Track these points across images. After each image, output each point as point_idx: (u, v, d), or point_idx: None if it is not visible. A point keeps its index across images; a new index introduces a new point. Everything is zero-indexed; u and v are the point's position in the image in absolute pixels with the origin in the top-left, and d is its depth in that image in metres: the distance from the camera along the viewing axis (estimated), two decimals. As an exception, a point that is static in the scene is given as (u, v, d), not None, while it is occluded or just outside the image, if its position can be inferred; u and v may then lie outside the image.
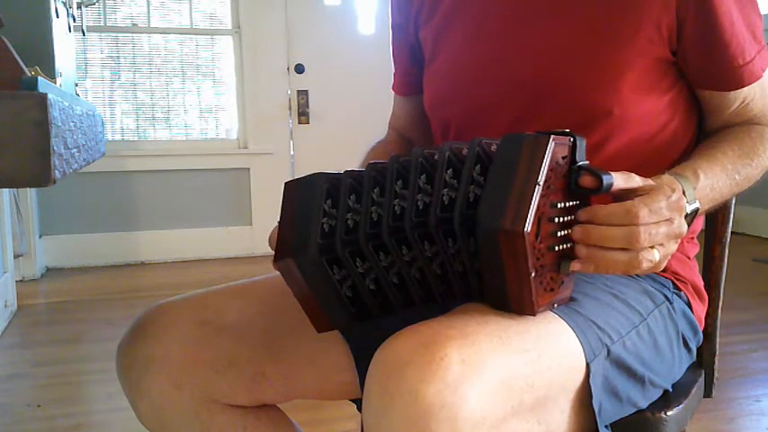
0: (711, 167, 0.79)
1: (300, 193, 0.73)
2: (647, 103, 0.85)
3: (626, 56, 0.83)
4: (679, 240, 0.70)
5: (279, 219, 0.74)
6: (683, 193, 0.73)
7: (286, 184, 0.75)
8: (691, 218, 0.75)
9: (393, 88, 1.13)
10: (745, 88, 0.85)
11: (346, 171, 0.73)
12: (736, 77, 0.85)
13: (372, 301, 0.74)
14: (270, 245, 0.81)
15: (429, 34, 0.99)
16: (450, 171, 0.68)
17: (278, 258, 0.72)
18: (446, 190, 0.68)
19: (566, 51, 0.86)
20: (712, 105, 0.89)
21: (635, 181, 0.70)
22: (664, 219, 0.67)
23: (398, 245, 0.69)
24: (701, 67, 0.86)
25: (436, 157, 0.69)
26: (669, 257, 0.70)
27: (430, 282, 0.72)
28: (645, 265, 0.67)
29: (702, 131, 0.93)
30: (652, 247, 0.67)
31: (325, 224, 0.70)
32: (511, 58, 0.89)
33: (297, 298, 0.75)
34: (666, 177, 0.73)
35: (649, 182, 0.71)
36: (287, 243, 0.72)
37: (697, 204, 0.75)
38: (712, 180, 0.79)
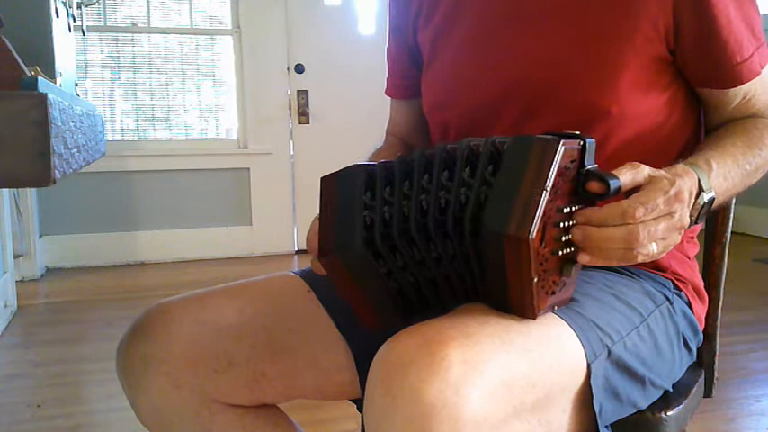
0: (723, 157, 0.79)
1: (340, 187, 0.72)
2: (645, 102, 0.85)
3: (624, 55, 0.83)
4: (683, 231, 0.70)
5: (318, 215, 0.73)
6: (699, 182, 0.73)
7: (323, 178, 0.74)
8: (707, 207, 0.75)
9: (388, 92, 1.11)
10: (744, 85, 0.85)
11: (380, 162, 0.72)
12: (734, 75, 0.85)
13: (415, 295, 0.73)
14: (307, 246, 0.80)
15: (428, 37, 0.99)
16: (467, 170, 0.68)
17: (322, 255, 0.71)
18: (464, 189, 0.67)
19: (564, 51, 0.86)
20: (713, 102, 0.89)
21: (642, 174, 0.69)
22: (662, 214, 0.67)
23: (426, 241, 0.69)
24: (699, 66, 0.86)
25: (457, 153, 0.69)
26: (671, 247, 0.70)
27: (453, 279, 0.71)
28: (640, 258, 0.67)
29: (705, 128, 0.93)
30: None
31: (366, 217, 0.70)
32: (509, 59, 0.89)
33: (344, 296, 0.74)
34: (680, 167, 0.73)
35: (660, 172, 0.70)
36: (331, 239, 0.71)
37: (713, 194, 0.75)
38: (724, 170, 0.78)
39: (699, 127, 0.93)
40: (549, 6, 0.87)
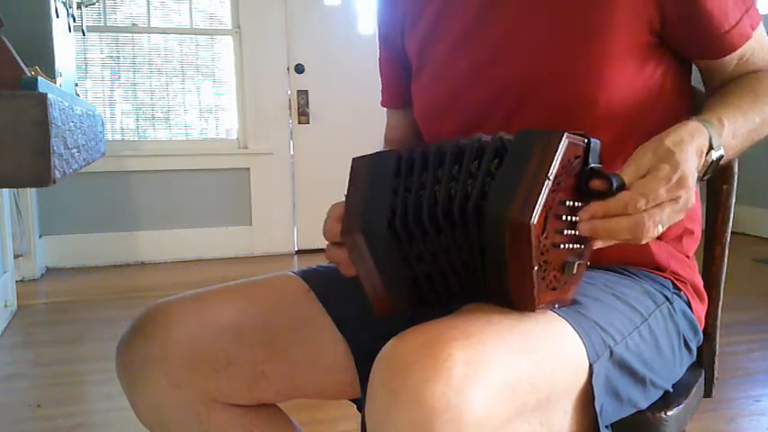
0: (734, 115, 0.80)
1: (371, 169, 0.74)
2: (632, 89, 0.85)
3: (607, 44, 0.83)
4: (685, 211, 0.71)
5: (346, 194, 0.75)
6: (710, 139, 0.73)
7: (354, 159, 0.76)
8: (715, 165, 0.75)
9: (383, 104, 1.12)
10: (738, 50, 0.85)
11: (405, 149, 0.74)
12: (725, 44, 0.85)
13: (428, 287, 0.73)
14: (324, 233, 0.81)
15: (413, 47, 1.00)
16: (475, 163, 0.69)
17: (346, 233, 0.72)
18: (470, 180, 0.68)
19: (548, 46, 0.86)
20: (710, 71, 0.90)
21: (644, 167, 0.69)
22: (666, 200, 0.68)
23: (437, 231, 0.70)
24: (688, 41, 0.86)
25: (467, 147, 0.71)
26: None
27: (460, 271, 0.72)
28: (645, 241, 0.68)
29: (706, 88, 0.93)
30: None
31: (393, 201, 0.71)
32: (494, 60, 0.89)
33: (360, 276, 0.74)
34: (693, 124, 0.73)
35: (662, 156, 0.69)
36: (356, 217, 0.72)
37: (722, 151, 0.75)
38: (734, 126, 0.79)
39: (689, 111, 0.93)
40: (531, 2, 0.87)
